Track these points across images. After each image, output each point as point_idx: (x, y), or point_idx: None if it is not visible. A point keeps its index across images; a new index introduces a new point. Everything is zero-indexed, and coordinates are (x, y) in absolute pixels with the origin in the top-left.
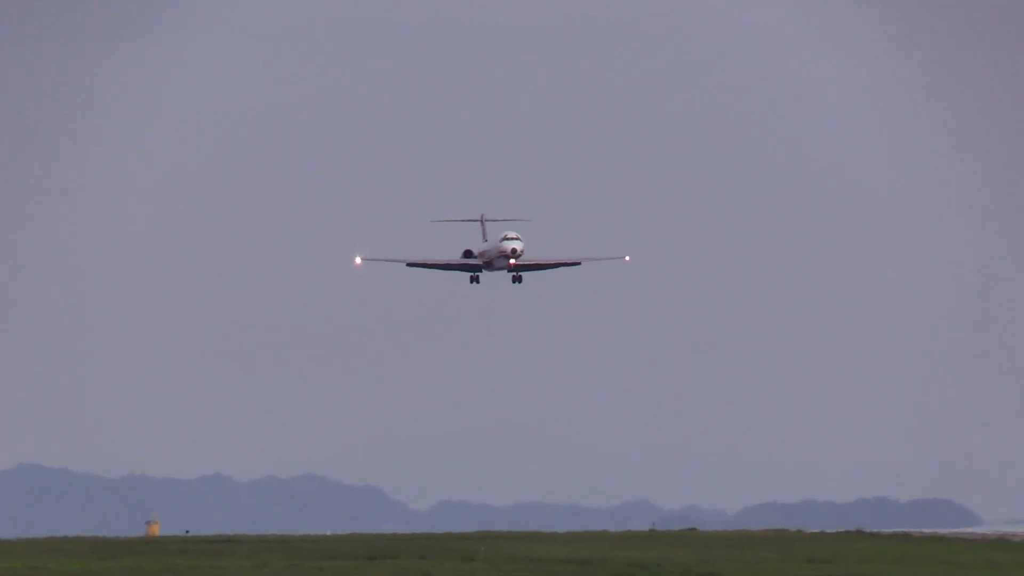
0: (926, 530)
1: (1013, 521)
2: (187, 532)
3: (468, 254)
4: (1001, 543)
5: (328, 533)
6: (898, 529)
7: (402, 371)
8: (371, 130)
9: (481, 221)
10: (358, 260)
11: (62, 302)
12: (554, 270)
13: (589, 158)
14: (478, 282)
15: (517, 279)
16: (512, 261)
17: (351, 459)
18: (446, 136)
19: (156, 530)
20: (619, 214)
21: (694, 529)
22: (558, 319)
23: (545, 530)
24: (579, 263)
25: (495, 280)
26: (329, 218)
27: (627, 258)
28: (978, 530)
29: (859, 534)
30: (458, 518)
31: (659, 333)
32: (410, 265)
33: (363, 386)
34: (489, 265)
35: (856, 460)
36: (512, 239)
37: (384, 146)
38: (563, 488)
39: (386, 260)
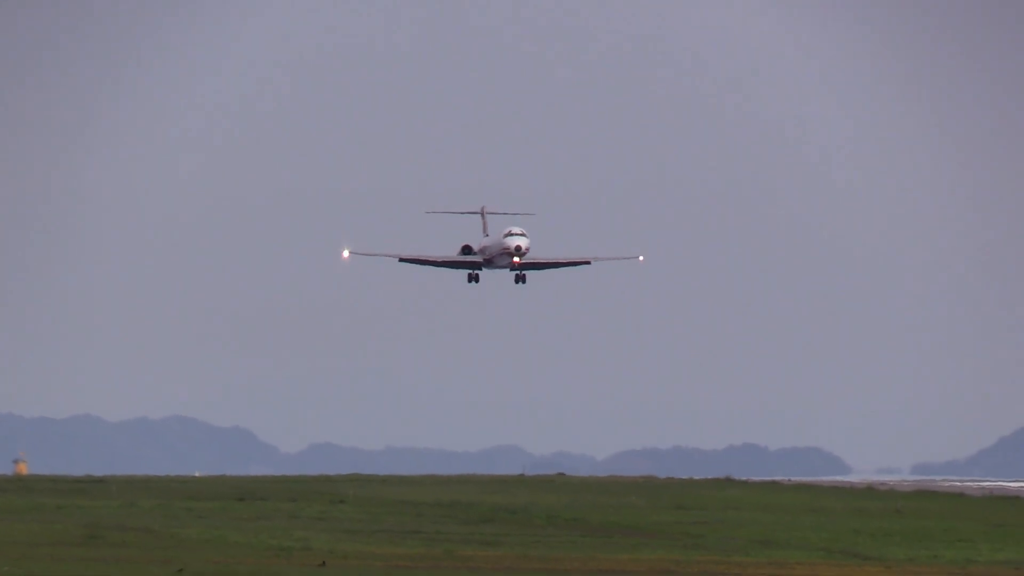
0: (795, 478)
1: (882, 470)
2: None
3: (467, 250)
4: (870, 492)
5: (198, 474)
6: (767, 477)
7: (271, 311)
8: (367, 113)
9: (482, 214)
10: (345, 253)
11: None
12: (560, 269)
13: (599, 149)
14: (477, 281)
15: (520, 279)
16: (516, 259)
17: (221, 401)
18: (446, 122)
19: (24, 469)
20: (631, 209)
21: (563, 474)
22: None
23: (414, 473)
24: (588, 262)
25: (496, 279)
26: (314, 205)
27: (641, 258)
28: (847, 479)
29: (728, 481)
30: (328, 461)
31: (528, 287)
32: (403, 260)
33: (233, 327)
34: (490, 263)
35: (726, 407)
36: (516, 235)
37: (379, 130)
38: (433, 432)
39: (376, 255)
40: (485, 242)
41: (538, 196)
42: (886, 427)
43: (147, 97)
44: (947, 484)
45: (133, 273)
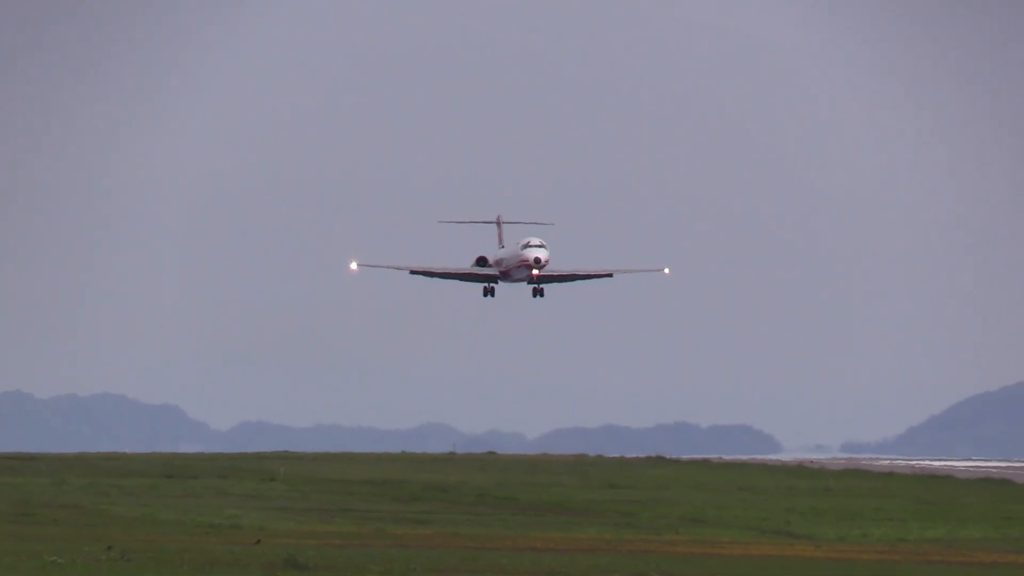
0: (726, 456)
1: (812, 448)
2: None
3: (482, 262)
4: (800, 470)
5: (127, 451)
6: (698, 455)
7: (202, 288)
8: (379, 120)
9: (497, 223)
10: (353, 266)
11: None
12: (581, 282)
13: (620, 156)
14: (492, 295)
15: (538, 292)
16: (535, 272)
17: (150, 378)
18: (461, 129)
19: None
20: (654, 220)
21: (493, 453)
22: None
23: (345, 451)
24: (611, 275)
25: (512, 293)
26: (324, 214)
27: (666, 270)
28: (778, 457)
29: (659, 460)
30: (258, 438)
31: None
32: (414, 273)
33: (163, 303)
34: (507, 275)
35: (657, 385)
36: (535, 246)
37: (391, 135)
38: (363, 410)
39: (386, 267)
40: (501, 254)
41: (556, 205)
42: (816, 405)
43: (158, 98)
44: (877, 463)
45: (63, 250)
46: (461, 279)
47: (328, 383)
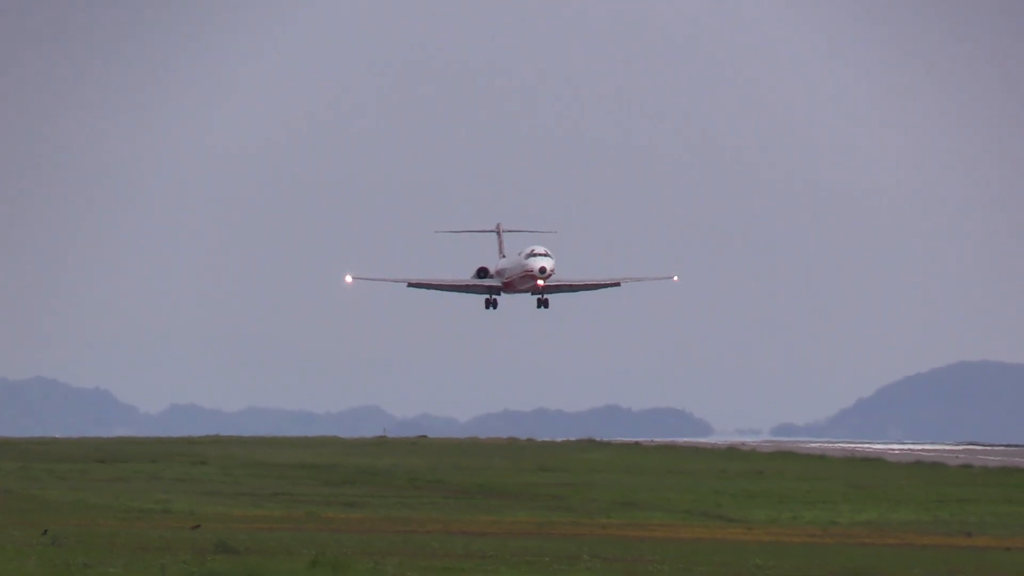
0: (657, 439)
1: (744, 431)
2: None
3: (483, 272)
4: (732, 453)
5: (58, 436)
6: (630, 438)
7: (135, 270)
8: (374, 127)
9: (497, 232)
10: (349, 279)
11: None
12: (584, 292)
13: (623, 163)
14: (495, 307)
15: (543, 303)
16: (540, 282)
17: (81, 362)
18: (459, 136)
19: None
20: (660, 227)
21: (425, 436)
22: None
23: (276, 435)
24: (618, 284)
25: (516, 304)
26: (318, 226)
27: (675, 278)
28: (709, 440)
29: (590, 443)
30: (189, 422)
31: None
32: (412, 285)
33: (93, 286)
34: (510, 286)
35: (588, 369)
36: (540, 255)
37: (388, 146)
38: (294, 393)
39: (383, 280)
40: (502, 264)
41: (556, 213)
42: (747, 389)
43: (155, 100)
44: (808, 445)
45: None
46: (462, 291)
47: (259, 367)
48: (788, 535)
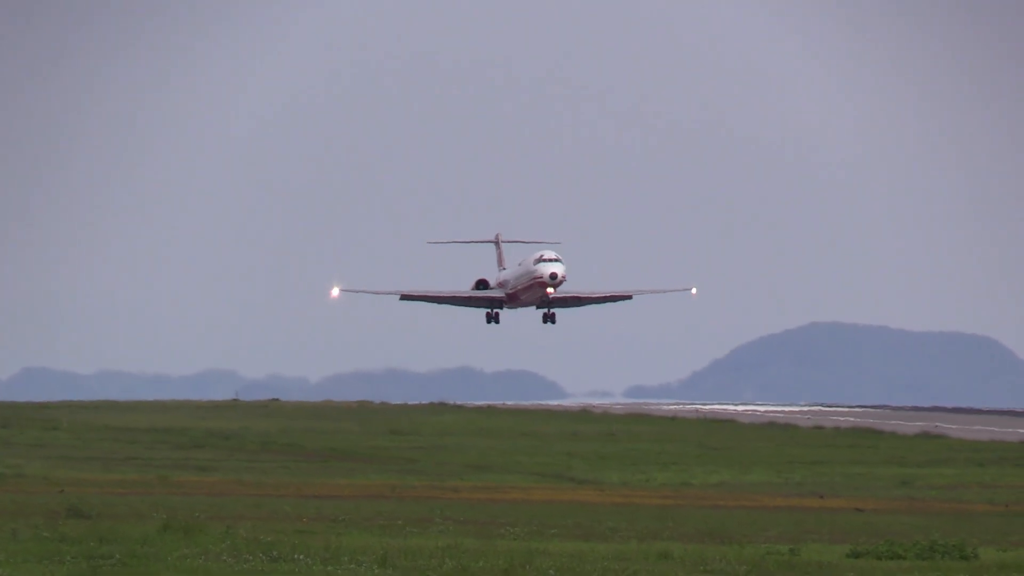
0: (510, 402)
1: (595, 393)
2: None
3: (482, 285)
4: (584, 415)
5: None
6: (482, 401)
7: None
8: (368, 131)
9: (496, 242)
10: (335, 292)
11: None
12: (596, 306)
13: (630, 169)
14: (497, 321)
15: (549, 318)
16: (550, 291)
17: None
18: (457, 143)
19: None
20: (672, 237)
21: (277, 400)
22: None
23: (128, 398)
24: (630, 297)
25: (519, 319)
26: (304, 233)
27: (693, 290)
28: (562, 403)
29: (442, 406)
30: (40, 386)
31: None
32: (404, 298)
33: None
34: (514, 297)
35: (438, 329)
36: (550, 260)
37: (381, 151)
38: (147, 356)
39: (373, 292)
40: (505, 275)
41: (558, 223)
42: (600, 350)
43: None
44: (661, 407)
45: None
46: (461, 304)
47: (111, 328)
48: (641, 497)
